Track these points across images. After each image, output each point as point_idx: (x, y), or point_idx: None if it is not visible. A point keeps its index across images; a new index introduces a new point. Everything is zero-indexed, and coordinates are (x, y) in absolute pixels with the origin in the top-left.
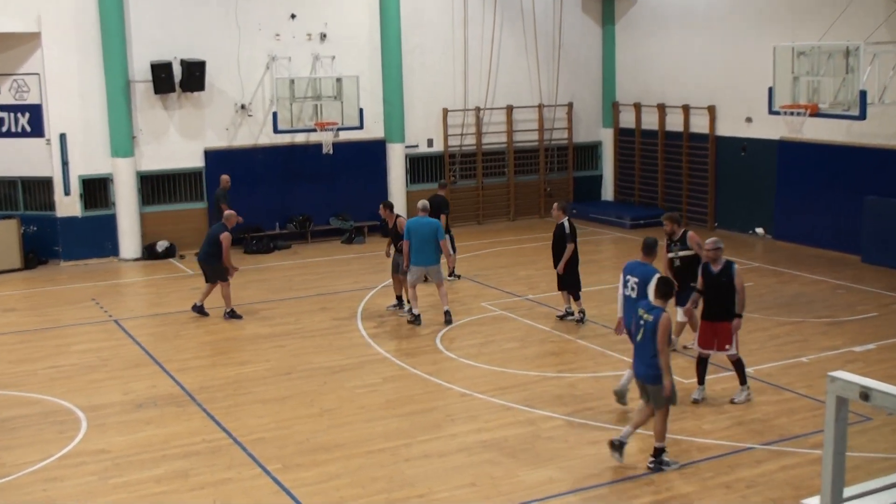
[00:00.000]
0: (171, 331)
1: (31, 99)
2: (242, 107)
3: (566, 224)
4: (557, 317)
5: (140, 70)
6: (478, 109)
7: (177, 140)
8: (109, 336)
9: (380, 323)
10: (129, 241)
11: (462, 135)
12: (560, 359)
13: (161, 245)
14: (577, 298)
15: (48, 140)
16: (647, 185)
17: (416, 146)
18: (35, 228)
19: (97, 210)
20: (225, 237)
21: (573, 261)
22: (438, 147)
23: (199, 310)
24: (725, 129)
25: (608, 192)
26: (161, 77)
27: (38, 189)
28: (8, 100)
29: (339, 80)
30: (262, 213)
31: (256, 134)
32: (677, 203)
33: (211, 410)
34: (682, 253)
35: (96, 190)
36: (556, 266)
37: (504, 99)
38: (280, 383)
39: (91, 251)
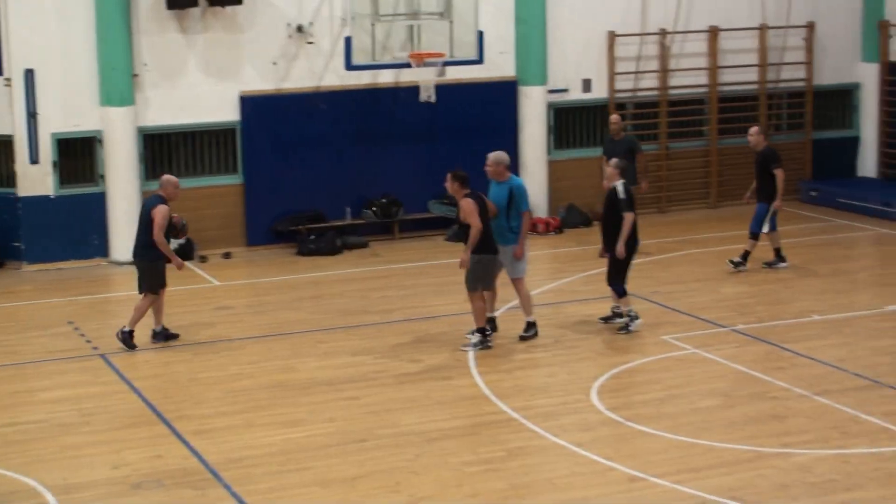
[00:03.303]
0: (186, 372)
1: None
2: (299, 29)
3: (620, 188)
4: (600, 319)
5: None
6: (663, 34)
7: (200, 80)
8: (94, 378)
9: (503, 364)
10: (126, 234)
11: (637, 73)
12: (786, 425)
13: (173, 242)
14: (621, 294)
15: (7, 79)
16: None
17: (566, 90)
18: None
19: (78, 187)
20: (160, 211)
21: (632, 241)
22: (600, 92)
23: (163, 335)
24: None
25: (868, 165)
26: None
27: None
28: None
29: None
30: (324, 193)
31: (320, 71)
32: None
33: (244, 495)
34: None
35: (78, 156)
36: (606, 248)
37: (705, 17)
38: (350, 455)
39: (69, 250)
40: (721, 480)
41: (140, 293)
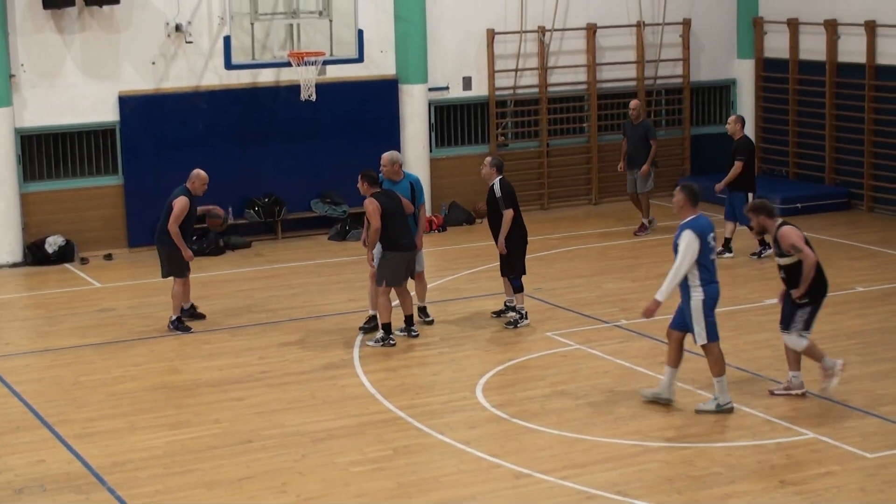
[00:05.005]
0: (68, 375)
1: None
2: (178, 28)
3: (497, 186)
4: (493, 314)
5: None
6: (542, 32)
7: (77, 81)
8: None
9: (389, 363)
10: (3, 236)
11: (518, 71)
12: (671, 419)
13: (52, 243)
14: (517, 290)
15: None
16: (809, 149)
17: (447, 88)
18: None
19: None
20: (178, 203)
21: (515, 235)
22: (480, 90)
23: (180, 323)
24: None
25: None
26: None
27: None
28: None
29: None
30: (206, 193)
31: (199, 71)
32: (856, 176)
33: (129, 499)
34: (782, 261)
35: None
36: (496, 241)
37: (583, 15)
38: (236, 456)
39: None
40: (606, 475)
41: (163, 277)
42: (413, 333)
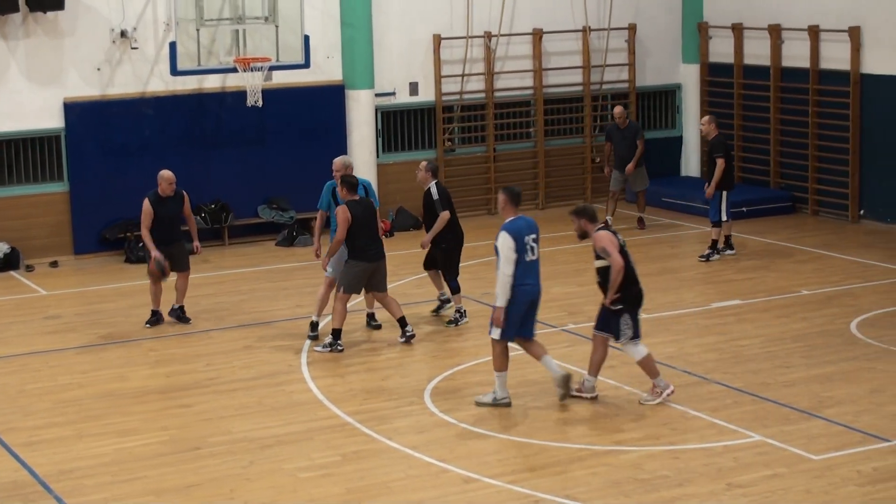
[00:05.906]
0: (14, 383)
1: None
2: (123, 34)
3: (434, 189)
4: (432, 312)
5: None
6: (488, 37)
7: (21, 87)
8: None
9: (337, 369)
10: None
11: (464, 76)
12: (616, 423)
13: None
14: (454, 290)
15: None
16: (754, 152)
17: (393, 94)
18: None
19: None
20: (143, 207)
21: (452, 237)
22: (427, 95)
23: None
24: (876, 63)
25: (691, 164)
26: None
27: None
28: None
29: None
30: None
31: (145, 76)
32: (800, 180)
33: None
34: (596, 263)
35: None
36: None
37: (529, 20)
38: (183, 463)
39: None
40: (555, 479)
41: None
42: (408, 334)
